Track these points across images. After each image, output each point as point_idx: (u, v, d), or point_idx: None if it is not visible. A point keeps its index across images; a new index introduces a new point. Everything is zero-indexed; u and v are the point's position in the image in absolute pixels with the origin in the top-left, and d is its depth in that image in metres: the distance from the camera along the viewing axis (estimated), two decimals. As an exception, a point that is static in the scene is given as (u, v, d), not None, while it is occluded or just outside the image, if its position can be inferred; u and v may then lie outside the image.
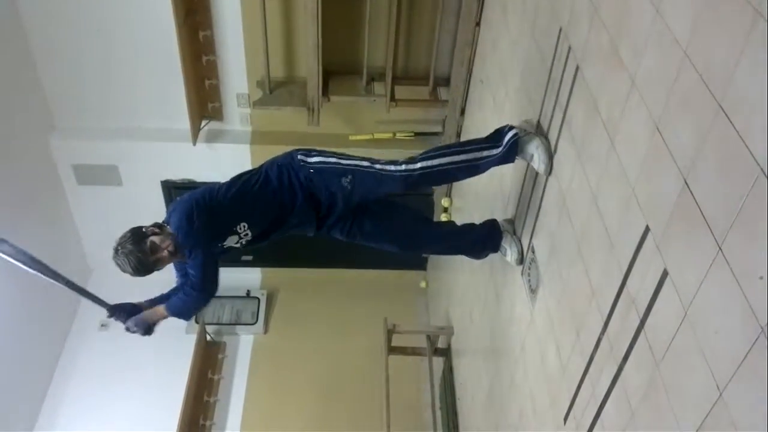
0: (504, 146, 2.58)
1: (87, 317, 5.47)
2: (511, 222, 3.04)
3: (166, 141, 4.95)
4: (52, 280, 2.59)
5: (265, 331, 5.65)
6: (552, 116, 2.52)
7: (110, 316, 2.74)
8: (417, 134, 4.87)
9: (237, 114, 4.98)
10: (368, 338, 4.85)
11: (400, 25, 4.46)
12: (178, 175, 5.18)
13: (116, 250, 2.49)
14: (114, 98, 4.86)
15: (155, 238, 2.51)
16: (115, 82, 4.75)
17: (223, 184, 2.69)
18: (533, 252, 2.74)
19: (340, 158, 2.69)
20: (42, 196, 5.05)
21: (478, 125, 3.87)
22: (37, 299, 4.87)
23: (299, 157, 2.69)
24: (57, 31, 4.49)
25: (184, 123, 4.67)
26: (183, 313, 2.75)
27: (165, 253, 2.51)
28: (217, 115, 4.95)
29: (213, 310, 5.71)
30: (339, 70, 4.67)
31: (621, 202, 1.90)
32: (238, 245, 2.69)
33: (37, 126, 4.88)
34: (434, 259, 5.62)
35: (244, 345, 5.57)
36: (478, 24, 3.88)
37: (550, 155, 2.51)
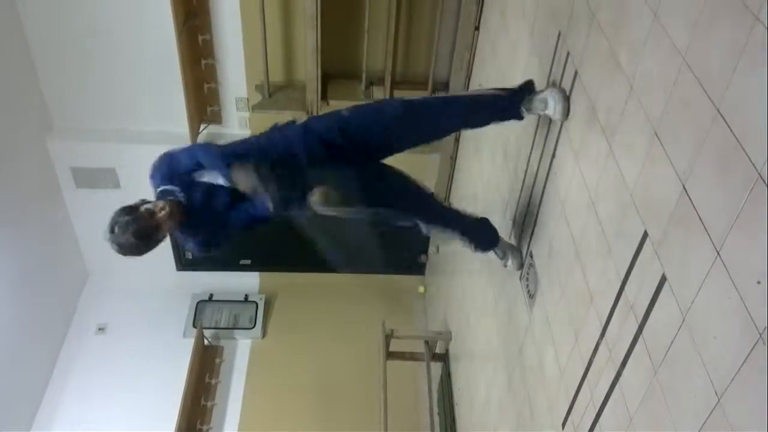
0: (513, 89, 2.51)
1: (84, 321, 5.46)
2: (513, 248, 2.95)
3: (165, 144, 4.90)
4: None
5: (263, 335, 5.64)
6: (551, 120, 2.52)
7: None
8: (416, 138, 4.86)
9: (236, 118, 4.98)
10: (366, 343, 4.83)
11: (399, 29, 4.47)
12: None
13: (112, 228, 2.31)
14: (113, 101, 4.86)
15: (147, 205, 2.37)
16: (114, 85, 4.75)
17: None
18: (532, 257, 2.74)
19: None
20: (40, 198, 5.04)
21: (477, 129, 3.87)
22: (36, 300, 4.87)
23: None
24: (56, 33, 4.49)
25: (183, 126, 4.67)
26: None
27: (162, 214, 2.34)
28: (216, 118, 4.95)
29: (211, 314, 5.71)
30: (338, 74, 4.67)
31: (619, 208, 1.90)
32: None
33: (36, 128, 4.88)
34: (433, 264, 5.62)
35: (241, 349, 5.56)
36: (477, 28, 3.88)
37: (566, 100, 2.38)
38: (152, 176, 2.49)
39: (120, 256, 2.39)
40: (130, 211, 2.36)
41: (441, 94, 4.46)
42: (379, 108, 2.64)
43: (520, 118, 2.51)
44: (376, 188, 2.64)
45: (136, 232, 2.30)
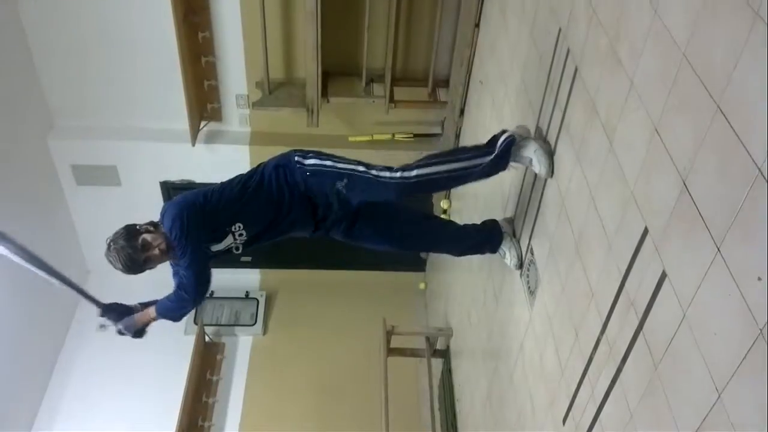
0: (497, 150, 2.57)
1: (85, 318, 5.46)
2: (510, 222, 3.03)
3: (165, 141, 4.95)
4: (47, 277, 2.59)
5: (264, 332, 5.64)
6: (551, 117, 2.53)
7: (102, 315, 2.73)
8: (416, 135, 4.87)
9: (236, 115, 4.98)
10: (367, 340, 4.84)
11: (400, 26, 4.47)
12: (177, 175, 5.17)
13: (109, 246, 2.50)
14: (113, 98, 4.85)
15: (147, 236, 2.51)
16: (114, 83, 4.75)
17: (218, 185, 2.69)
18: (532, 253, 2.74)
19: (336, 162, 2.68)
20: (41, 196, 5.04)
21: (477, 126, 3.87)
22: (36, 299, 4.86)
23: (296, 158, 2.69)
24: (56, 31, 4.49)
25: (184, 124, 4.67)
26: (172, 315, 2.74)
27: (156, 251, 2.51)
28: (216, 116, 4.95)
29: (212, 311, 5.71)
30: (338, 71, 4.67)
31: (620, 204, 1.90)
32: (233, 247, 2.69)
33: (36, 126, 4.88)
34: (433, 261, 5.62)
35: (243, 346, 5.56)
36: (477, 25, 3.88)
37: (551, 156, 2.50)
38: (164, 220, 2.59)
39: None
40: (129, 237, 2.51)
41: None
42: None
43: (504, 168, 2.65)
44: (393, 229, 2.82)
45: (125, 262, 2.49)
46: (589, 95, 2.15)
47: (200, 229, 2.56)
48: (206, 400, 5.13)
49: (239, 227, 2.64)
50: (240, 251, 2.72)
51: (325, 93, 4.54)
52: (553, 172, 2.50)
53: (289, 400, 5.16)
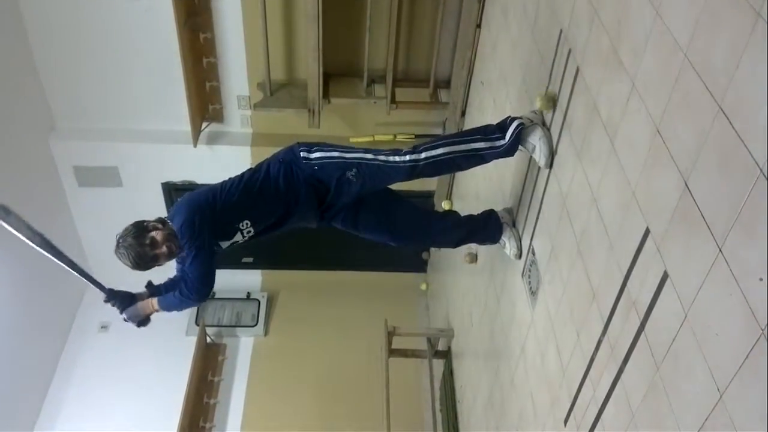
0: (509, 138, 2.56)
1: (87, 318, 5.47)
2: (510, 212, 3.03)
3: (167, 143, 4.96)
4: (53, 258, 2.57)
5: (266, 333, 5.64)
6: (552, 118, 2.52)
7: (107, 300, 2.73)
8: (417, 136, 4.87)
9: (237, 116, 4.99)
10: (368, 340, 4.84)
11: (401, 27, 4.47)
12: (178, 176, 5.18)
13: (118, 243, 2.51)
14: (115, 99, 4.86)
15: (156, 234, 2.52)
16: (115, 84, 4.76)
17: (225, 182, 2.69)
18: (533, 254, 2.74)
19: (342, 152, 2.69)
20: (42, 197, 5.05)
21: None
22: (38, 300, 4.88)
23: (301, 153, 2.69)
24: (58, 32, 4.50)
25: (185, 125, 4.67)
26: (175, 309, 2.75)
27: (164, 249, 2.53)
28: (217, 116, 4.95)
29: (213, 311, 5.72)
30: (339, 72, 4.67)
31: (621, 204, 1.90)
32: (239, 240, 2.70)
33: (38, 127, 4.88)
34: (434, 262, 5.62)
35: (244, 347, 5.57)
36: (478, 26, 3.88)
37: (551, 148, 2.50)
38: (175, 219, 2.60)
39: None
40: (137, 234, 2.52)
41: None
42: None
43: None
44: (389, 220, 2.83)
45: (134, 259, 2.50)
46: (591, 95, 2.15)
47: (210, 229, 2.57)
48: (207, 400, 5.14)
49: (247, 224, 2.65)
50: (244, 241, 2.73)
51: (326, 94, 4.54)
52: (552, 164, 2.50)
53: (291, 400, 5.16)
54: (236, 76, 4.73)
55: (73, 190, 5.24)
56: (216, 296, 5.80)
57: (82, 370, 5.28)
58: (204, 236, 2.55)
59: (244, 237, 2.68)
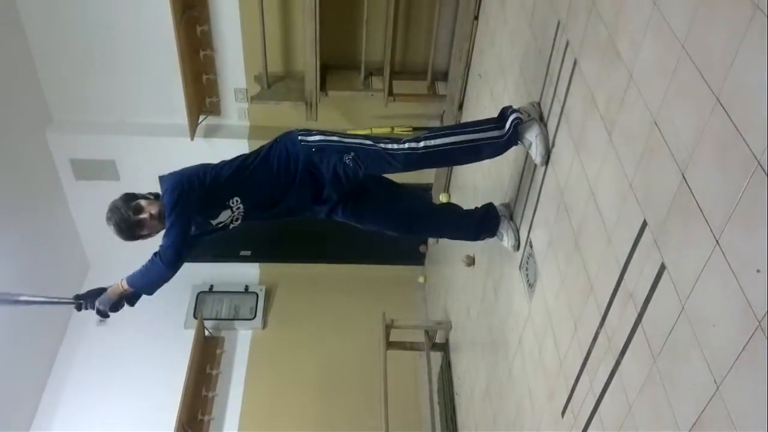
0: (507, 131, 2.57)
1: (84, 313, 5.45)
2: (507, 206, 3.04)
3: (164, 136, 4.95)
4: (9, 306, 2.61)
5: (264, 326, 5.65)
6: (550, 110, 2.52)
7: (79, 308, 2.68)
8: (415, 129, 4.86)
9: (235, 109, 4.98)
10: (366, 333, 4.85)
11: (398, 19, 4.45)
12: (175, 170, 5.16)
13: (108, 211, 2.56)
14: (112, 92, 4.85)
15: (143, 201, 2.57)
16: (112, 77, 4.74)
17: (221, 162, 2.70)
18: (531, 246, 2.74)
19: (342, 137, 2.69)
20: (39, 190, 5.04)
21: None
22: (36, 294, 4.86)
23: (300, 137, 2.68)
24: (55, 25, 4.48)
25: (182, 118, 4.66)
26: (144, 285, 2.62)
27: (147, 215, 2.54)
28: (214, 109, 4.94)
29: (211, 305, 5.72)
30: (337, 64, 4.66)
31: (618, 196, 1.90)
32: (230, 222, 2.67)
33: (35, 120, 4.87)
34: (432, 254, 5.62)
35: (242, 340, 5.57)
36: (476, 18, 3.87)
37: (548, 146, 2.51)
38: (163, 186, 2.62)
39: (120, 245, 2.65)
40: (125, 199, 2.58)
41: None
42: None
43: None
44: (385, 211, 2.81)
45: (117, 221, 2.55)
46: (588, 88, 2.15)
47: (195, 203, 2.56)
48: (206, 394, 5.15)
49: (237, 201, 2.64)
50: (237, 224, 2.71)
51: (323, 86, 4.53)
52: (548, 160, 2.51)
53: (289, 393, 5.17)
54: (233, 68, 4.72)
55: (71, 184, 5.23)
56: (214, 289, 5.80)
57: (80, 364, 5.28)
58: (185, 206, 2.53)
59: (233, 214, 2.65)
